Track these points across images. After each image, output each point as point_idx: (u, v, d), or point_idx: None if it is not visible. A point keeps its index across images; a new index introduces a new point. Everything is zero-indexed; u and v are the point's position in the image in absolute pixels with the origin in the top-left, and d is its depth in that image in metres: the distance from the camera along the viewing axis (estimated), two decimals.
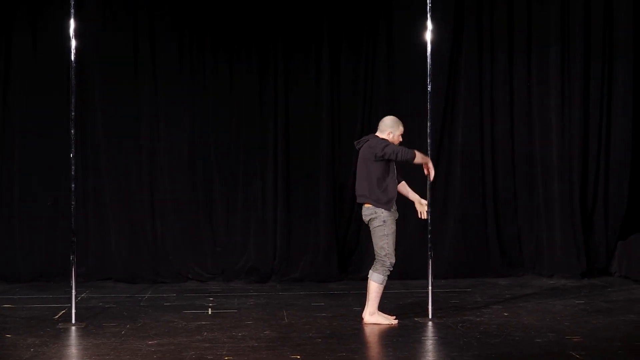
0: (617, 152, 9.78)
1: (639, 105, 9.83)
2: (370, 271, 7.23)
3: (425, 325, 7.21)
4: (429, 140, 7.51)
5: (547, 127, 9.73)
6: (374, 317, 7.23)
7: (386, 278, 7.20)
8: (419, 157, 7.09)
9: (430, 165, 7.20)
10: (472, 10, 9.78)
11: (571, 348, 6.32)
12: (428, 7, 7.46)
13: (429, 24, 7.48)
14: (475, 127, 9.80)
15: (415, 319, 7.42)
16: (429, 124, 7.46)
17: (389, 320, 7.22)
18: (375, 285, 7.18)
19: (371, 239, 7.18)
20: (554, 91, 9.70)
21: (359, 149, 7.26)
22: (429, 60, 7.44)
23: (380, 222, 7.12)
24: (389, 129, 7.21)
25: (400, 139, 7.26)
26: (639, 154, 9.85)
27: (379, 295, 7.22)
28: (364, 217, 7.26)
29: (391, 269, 7.21)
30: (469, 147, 9.77)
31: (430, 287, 7.42)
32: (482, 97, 9.82)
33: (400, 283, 9.35)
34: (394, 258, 7.19)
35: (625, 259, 9.56)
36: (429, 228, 7.52)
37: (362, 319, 7.30)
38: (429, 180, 7.33)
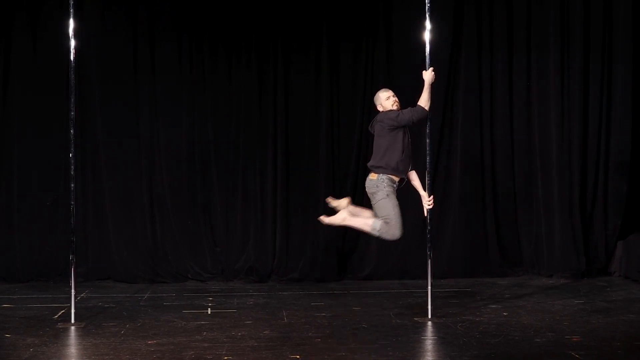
0: (617, 151, 9.77)
1: (638, 106, 9.82)
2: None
3: (424, 325, 7.21)
4: (428, 140, 7.51)
5: (546, 127, 9.73)
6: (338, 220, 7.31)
7: (380, 234, 7.17)
8: (427, 101, 7.18)
9: (429, 79, 7.24)
10: (472, 10, 9.78)
11: (570, 348, 6.32)
12: (427, 7, 7.46)
13: (428, 24, 7.47)
14: (475, 127, 9.80)
15: (415, 318, 7.42)
16: (428, 124, 7.46)
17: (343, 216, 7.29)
18: (368, 224, 7.19)
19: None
20: (554, 91, 9.70)
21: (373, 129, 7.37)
22: (427, 59, 7.44)
23: (384, 195, 7.13)
24: (384, 98, 7.33)
25: (397, 99, 7.33)
26: (639, 154, 9.85)
27: (361, 227, 7.24)
28: (367, 189, 7.27)
29: (394, 239, 7.19)
30: (468, 147, 9.77)
31: (429, 287, 7.41)
32: (481, 97, 9.82)
33: (400, 283, 9.36)
34: (399, 231, 7.14)
35: (625, 259, 9.56)
36: (429, 227, 7.52)
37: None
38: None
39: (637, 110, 9.82)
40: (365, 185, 7.31)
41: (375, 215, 7.20)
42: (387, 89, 7.46)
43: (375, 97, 7.46)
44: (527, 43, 9.80)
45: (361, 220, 7.26)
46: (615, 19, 9.74)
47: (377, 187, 7.16)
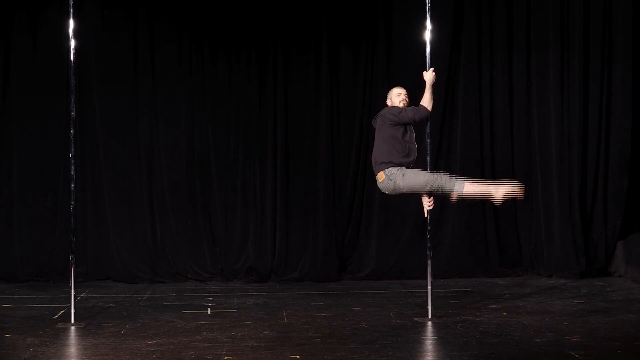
0: (617, 151, 9.77)
1: (638, 105, 9.82)
2: (451, 190, 7.11)
3: (424, 325, 7.21)
4: (428, 140, 7.50)
5: (546, 127, 9.73)
6: (500, 191, 7.11)
7: (460, 181, 7.06)
8: (430, 101, 7.18)
9: (430, 79, 7.25)
10: (472, 9, 9.79)
11: (570, 348, 6.32)
12: (427, 7, 7.46)
13: (428, 24, 7.47)
14: (475, 127, 9.81)
15: (415, 318, 7.42)
16: (428, 123, 7.46)
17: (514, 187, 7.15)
18: (467, 188, 7.06)
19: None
20: (553, 90, 9.70)
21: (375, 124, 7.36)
22: (428, 59, 7.44)
23: (400, 177, 7.06)
24: (395, 94, 7.36)
25: (406, 98, 7.33)
26: (639, 154, 9.85)
27: (481, 185, 7.14)
28: (386, 191, 7.19)
29: (452, 175, 7.12)
30: (468, 146, 9.77)
31: (429, 287, 7.41)
32: (481, 97, 9.82)
33: (399, 283, 9.36)
34: (441, 176, 7.09)
35: (625, 259, 9.56)
36: (429, 228, 7.51)
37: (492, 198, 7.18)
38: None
39: (637, 109, 9.82)
40: (382, 189, 7.23)
41: (429, 190, 7.14)
42: (401, 87, 7.47)
43: (389, 92, 7.50)
44: (527, 43, 9.80)
45: (477, 190, 7.14)
46: (615, 18, 9.74)
47: (391, 179, 7.10)
